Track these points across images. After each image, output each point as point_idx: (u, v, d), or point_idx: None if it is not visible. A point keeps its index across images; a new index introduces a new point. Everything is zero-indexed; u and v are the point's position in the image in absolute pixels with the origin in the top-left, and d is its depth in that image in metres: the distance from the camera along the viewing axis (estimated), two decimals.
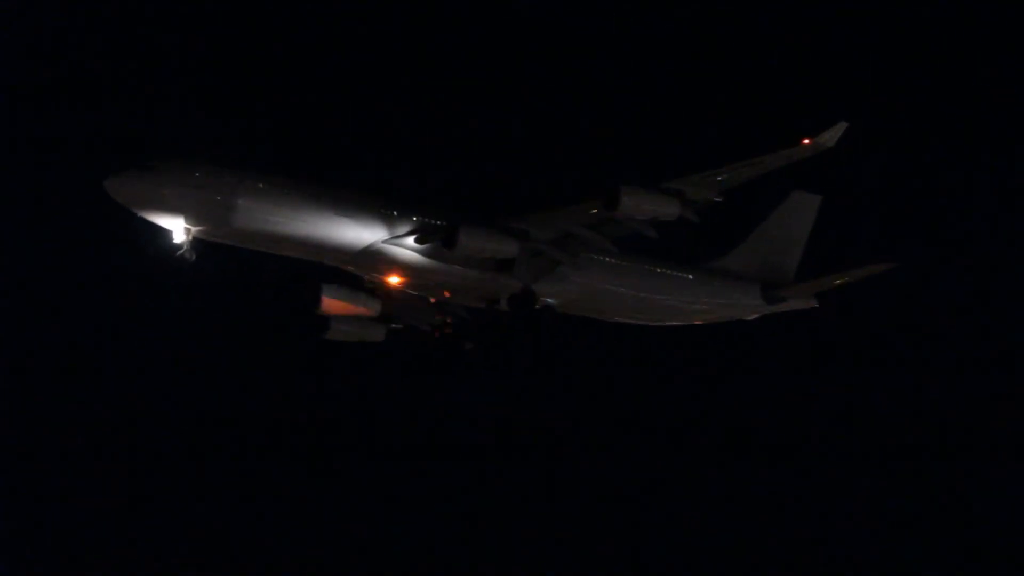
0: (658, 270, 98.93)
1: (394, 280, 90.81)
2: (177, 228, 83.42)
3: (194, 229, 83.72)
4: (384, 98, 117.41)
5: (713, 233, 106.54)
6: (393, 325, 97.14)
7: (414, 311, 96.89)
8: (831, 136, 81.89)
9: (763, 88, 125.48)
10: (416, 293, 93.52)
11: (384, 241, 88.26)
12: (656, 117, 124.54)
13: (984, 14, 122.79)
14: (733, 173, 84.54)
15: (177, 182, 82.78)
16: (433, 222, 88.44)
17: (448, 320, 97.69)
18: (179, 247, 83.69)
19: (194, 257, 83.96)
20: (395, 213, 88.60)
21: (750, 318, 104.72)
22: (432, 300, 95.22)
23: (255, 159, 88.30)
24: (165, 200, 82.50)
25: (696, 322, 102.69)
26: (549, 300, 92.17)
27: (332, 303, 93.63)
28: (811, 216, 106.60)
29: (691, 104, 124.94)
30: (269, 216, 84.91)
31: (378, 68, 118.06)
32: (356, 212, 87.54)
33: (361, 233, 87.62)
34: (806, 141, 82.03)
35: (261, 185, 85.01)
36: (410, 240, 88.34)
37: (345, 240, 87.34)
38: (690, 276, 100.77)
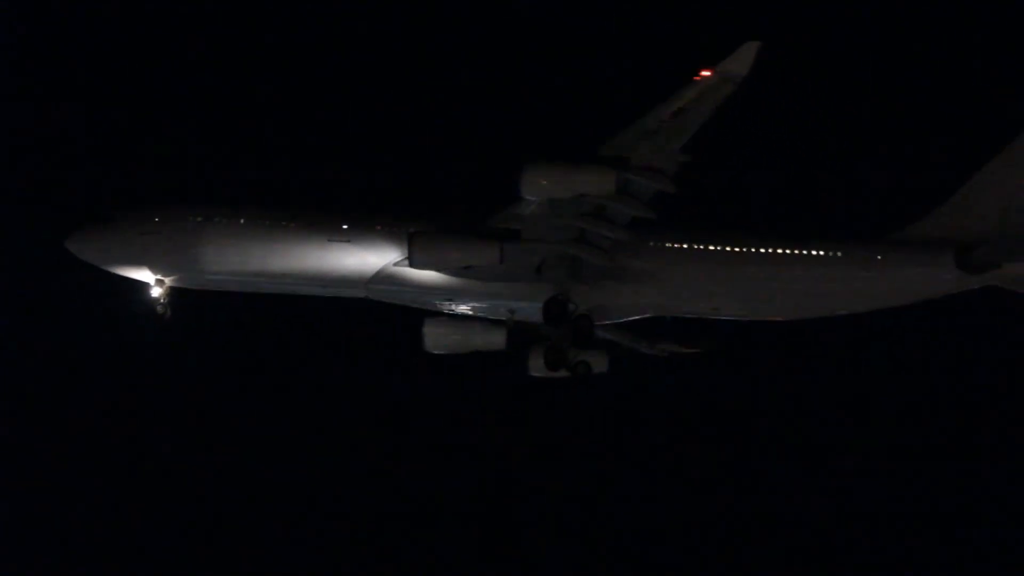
0: (787, 251, 78.37)
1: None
2: (149, 280, 75.04)
3: (167, 279, 75.12)
4: (362, 103, 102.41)
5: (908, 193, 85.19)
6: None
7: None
8: (740, 61, 63.30)
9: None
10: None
11: (396, 263, 75.10)
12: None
13: None
14: (653, 126, 66.83)
15: (136, 231, 74.51)
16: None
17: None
18: (156, 301, 75.05)
19: (169, 312, 74.98)
20: (401, 230, 75.20)
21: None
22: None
23: (230, 194, 78.00)
24: (127, 252, 74.49)
25: (873, 308, 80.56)
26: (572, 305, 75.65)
27: (440, 339, 79.47)
28: None
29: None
30: (246, 254, 74.85)
31: (342, 79, 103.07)
32: (355, 235, 75.24)
33: (366, 258, 75.28)
34: (706, 72, 63.81)
35: (233, 221, 75.03)
36: None
37: (348, 268, 75.44)
38: (839, 254, 78.98)
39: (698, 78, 64.07)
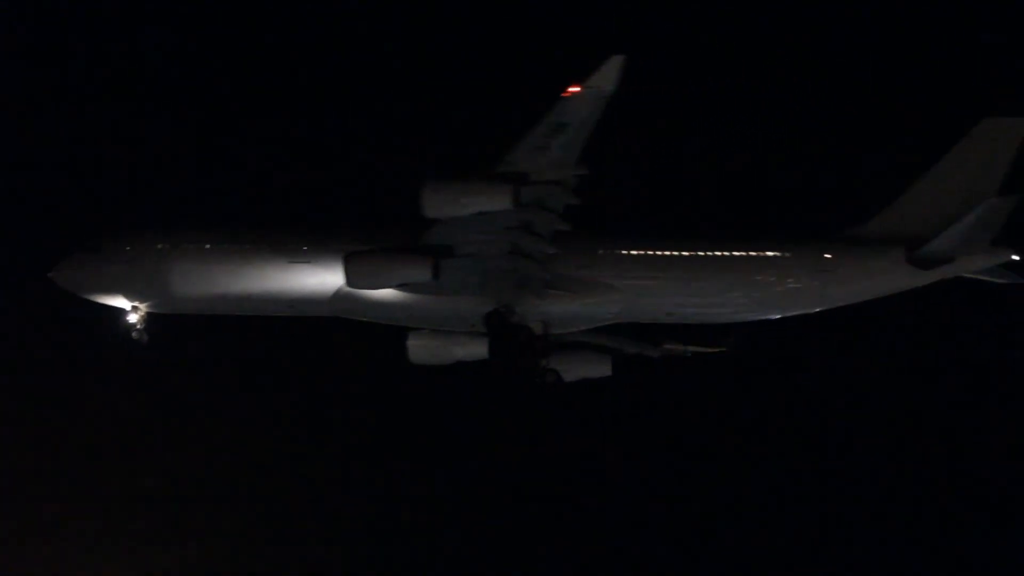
0: (736, 253, 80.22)
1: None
2: (126, 307, 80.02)
3: (142, 305, 79.90)
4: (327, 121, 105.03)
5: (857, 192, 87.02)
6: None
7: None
8: (606, 76, 64.08)
9: None
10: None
11: None
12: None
13: None
14: (540, 142, 67.86)
15: (110, 260, 79.49)
16: None
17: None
18: (133, 327, 79.97)
19: (147, 338, 79.77)
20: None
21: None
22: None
23: (202, 216, 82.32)
24: (103, 281, 79.49)
25: (826, 307, 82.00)
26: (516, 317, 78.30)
27: (422, 351, 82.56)
28: (1011, 148, 79.81)
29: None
30: (212, 279, 79.16)
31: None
32: (313, 256, 79.03)
33: (325, 279, 78.90)
34: (575, 88, 64.62)
35: (199, 247, 79.40)
36: None
37: (310, 289, 79.20)
38: (788, 255, 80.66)
39: (567, 94, 65.05)
